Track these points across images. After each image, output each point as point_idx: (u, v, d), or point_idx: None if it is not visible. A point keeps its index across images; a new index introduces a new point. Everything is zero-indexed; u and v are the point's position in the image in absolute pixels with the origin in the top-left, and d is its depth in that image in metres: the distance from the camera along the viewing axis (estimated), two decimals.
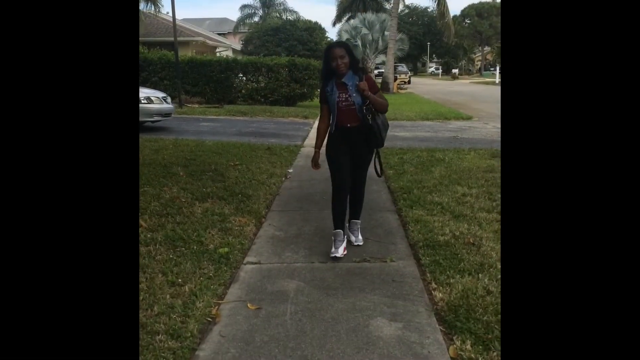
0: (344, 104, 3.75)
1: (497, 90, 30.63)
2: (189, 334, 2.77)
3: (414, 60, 71.14)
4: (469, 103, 21.13)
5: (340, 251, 3.94)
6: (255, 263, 3.88)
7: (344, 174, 3.88)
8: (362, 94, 3.67)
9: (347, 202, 4.02)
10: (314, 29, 31.48)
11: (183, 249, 4.00)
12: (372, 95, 3.70)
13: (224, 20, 50.78)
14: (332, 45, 3.95)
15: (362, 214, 4.37)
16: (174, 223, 4.56)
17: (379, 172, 4.09)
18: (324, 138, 3.96)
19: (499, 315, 2.93)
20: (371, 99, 3.70)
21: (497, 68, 48.96)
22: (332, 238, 4.03)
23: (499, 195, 5.61)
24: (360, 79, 3.70)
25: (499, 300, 3.13)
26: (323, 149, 4.06)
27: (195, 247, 4.02)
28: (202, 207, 5.11)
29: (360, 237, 4.27)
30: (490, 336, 2.74)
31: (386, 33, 29.58)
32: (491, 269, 3.63)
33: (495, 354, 2.58)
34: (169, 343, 2.67)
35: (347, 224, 4.15)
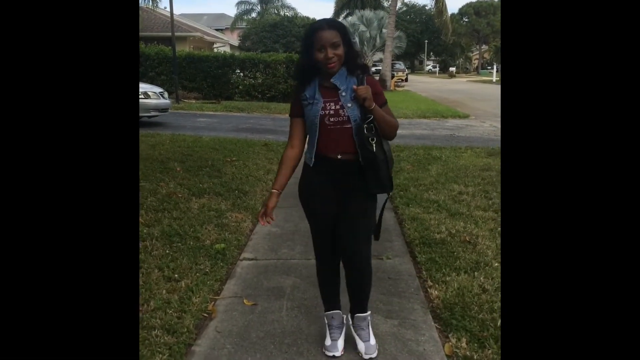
0: (332, 119, 2.30)
1: (494, 89, 30.69)
2: (185, 329, 2.77)
3: (411, 58, 71.13)
4: (466, 101, 21.16)
5: (340, 347, 2.58)
6: (252, 259, 3.88)
7: (329, 235, 2.50)
8: (363, 105, 2.26)
9: (338, 276, 2.63)
10: None
11: (179, 244, 4.00)
12: (378, 109, 2.28)
13: (222, 16, 50.65)
14: (318, 25, 2.29)
15: None
16: (171, 218, 4.56)
17: (376, 234, 2.55)
18: (290, 174, 2.48)
19: (495, 313, 2.94)
20: (377, 114, 2.27)
21: (495, 67, 49.04)
22: (325, 323, 2.67)
23: (495, 194, 5.63)
24: (359, 82, 2.29)
25: (495, 298, 3.14)
26: (292, 190, 2.69)
27: (191, 243, 4.01)
28: (199, 202, 5.11)
29: (372, 340, 2.58)
30: (485, 334, 2.75)
31: (384, 30, 29.54)
32: (487, 267, 3.64)
33: (490, 351, 2.59)
34: (165, 338, 2.67)
35: (349, 318, 2.67)
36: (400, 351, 2.65)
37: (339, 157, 2.36)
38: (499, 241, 4.20)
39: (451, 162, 7.53)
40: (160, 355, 2.51)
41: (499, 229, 4.52)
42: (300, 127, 2.44)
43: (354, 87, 2.26)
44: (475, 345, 2.66)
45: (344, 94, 2.31)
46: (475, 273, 3.54)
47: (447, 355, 2.62)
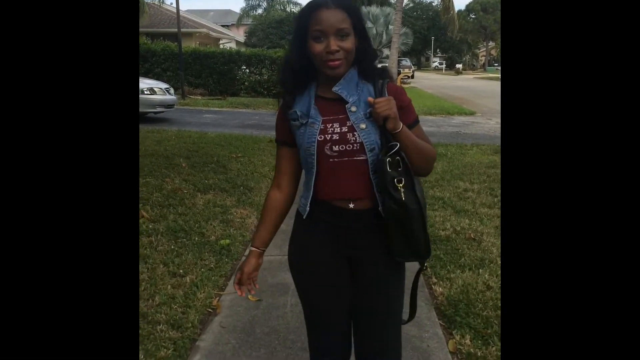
0: (336, 148, 1.56)
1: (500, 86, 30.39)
2: (190, 325, 2.78)
3: (417, 54, 70.90)
4: (472, 98, 21.09)
5: None
6: None
7: (333, 327, 1.74)
8: (384, 127, 1.52)
9: None
10: None
11: (184, 240, 4.01)
12: (407, 132, 1.53)
13: (228, 12, 50.65)
14: (317, 2, 1.52)
15: None
16: (176, 214, 4.57)
17: (411, 315, 1.80)
18: (276, 225, 1.76)
19: (499, 311, 2.94)
20: (405, 141, 1.52)
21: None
22: None
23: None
24: (378, 92, 1.56)
25: (499, 295, 3.14)
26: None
27: (196, 239, 4.03)
28: (204, 198, 5.12)
29: None
30: (489, 331, 2.75)
31: (390, 27, 29.47)
32: (492, 265, 3.64)
33: (494, 348, 2.59)
34: (170, 333, 2.68)
35: None
36: (404, 348, 2.63)
37: (350, 205, 1.58)
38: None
39: (457, 159, 7.51)
40: (165, 350, 2.52)
41: None
42: (290, 160, 1.69)
43: (370, 99, 1.52)
44: (479, 342, 2.66)
45: (353, 109, 1.54)
46: (480, 270, 3.54)
47: (450, 352, 2.62)
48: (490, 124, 13.41)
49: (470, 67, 73.53)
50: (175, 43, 17.90)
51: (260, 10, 41.30)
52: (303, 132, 1.59)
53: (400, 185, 1.51)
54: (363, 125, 1.54)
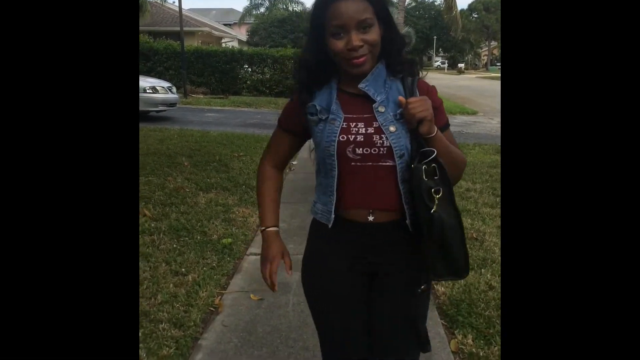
0: (359, 151, 1.40)
1: None
2: (192, 323, 2.78)
3: (420, 54, 70.78)
4: (474, 98, 21.07)
5: None
6: (259, 254, 3.84)
7: (352, 341, 1.55)
8: (418, 131, 1.37)
9: None
10: None
11: (187, 238, 4.01)
12: (441, 137, 1.40)
13: (230, 11, 50.67)
14: None
15: None
16: (178, 213, 4.58)
17: (426, 345, 1.53)
18: (279, 198, 1.66)
19: (500, 311, 2.94)
20: (441, 147, 1.38)
21: None
22: None
23: None
24: (408, 90, 1.43)
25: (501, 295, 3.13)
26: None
27: (198, 237, 4.03)
28: (206, 197, 5.12)
29: None
30: (491, 331, 2.75)
31: None
32: (494, 264, 3.64)
33: (496, 348, 2.58)
34: (172, 332, 2.68)
35: None
36: None
37: (370, 218, 1.43)
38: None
39: None
40: (167, 349, 2.52)
41: None
42: (290, 148, 1.61)
43: (402, 99, 1.37)
44: (482, 342, 2.66)
45: (381, 109, 1.39)
46: (482, 270, 3.54)
47: (452, 352, 2.62)
48: (492, 123, 13.39)
49: (473, 67, 73.45)
50: (178, 42, 17.92)
51: (262, 9, 41.29)
52: (322, 129, 1.43)
53: (438, 196, 1.35)
54: (393, 128, 1.37)
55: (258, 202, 1.65)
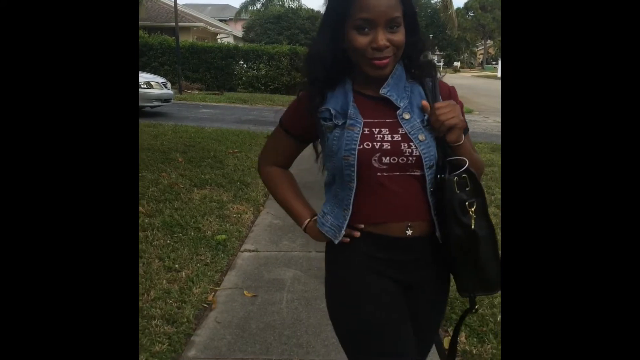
0: (387, 159, 1.27)
1: (498, 84, 30.55)
2: (185, 320, 2.77)
3: None
4: (470, 96, 21.09)
5: None
6: (253, 251, 3.88)
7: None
8: (447, 139, 1.30)
9: None
10: (317, 17, 31.31)
11: (180, 235, 4.00)
12: (467, 145, 1.34)
13: (226, 7, 50.50)
14: None
15: None
16: (172, 209, 4.56)
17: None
18: (298, 193, 1.51)
19: (495, 309, 2.94)
20: (466, 154, 1.31)
21: (499, 62, 48.95)
22: None
23: (498, 189, 5.62)
24: (430, 93, 1.34)
25: (495, 294, 3.14)
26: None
27: (192, 234, 4.02)
28: (200, 193, 5.11)
29: None
30: (485, 329, 2.75)
31: None
32: None
33: (489, 346, 2.59)
34: (165, 328, 2.67)
35: None
36: None
37: (408, 232, 1.31)
38: (499, 237, 4.19)
39: None
40: (160, 345, 2.51)
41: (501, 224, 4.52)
42: (295, 153, 1.47)
43: (426, 104, 1.30)
44: (475, 339, 2.67)
45: (406, 116, 1.29)
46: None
47: (446, 350, 2.62)
48: (487, 122, 13.42)
49: (468, 65, 73.59)
50: (173, 37, 17.84)
51: (258, 5, 41.16)
52: (338, 136, 1.28)
53: (472, 209, 1.26)
54: (422, 137, 1.27)
55: (283, 205, 1.47)
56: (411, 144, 1.26)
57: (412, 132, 1.27)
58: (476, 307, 1.38)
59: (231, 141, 8.09)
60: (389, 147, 1.26)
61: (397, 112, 1.29)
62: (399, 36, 1.23)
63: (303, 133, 1.41)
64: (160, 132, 8.69)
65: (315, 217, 1.43)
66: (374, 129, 1.27)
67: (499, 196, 5.38)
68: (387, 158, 1.26)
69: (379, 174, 1.27)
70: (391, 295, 1.34)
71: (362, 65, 1.26)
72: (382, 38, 1.20)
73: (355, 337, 1.35)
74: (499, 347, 2.58)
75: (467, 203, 1.26)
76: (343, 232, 1.33)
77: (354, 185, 1.28)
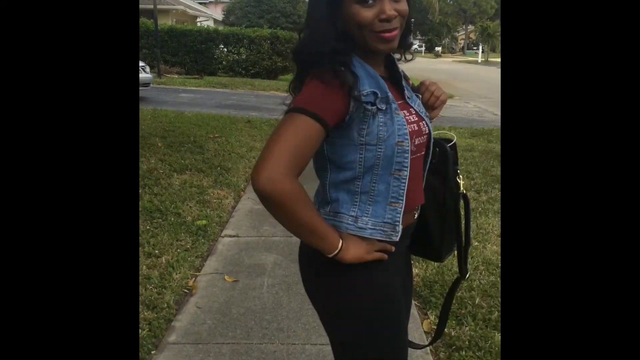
0: (417, 142, 1.22)
1: (479, 69, 30.76)
2: (165, 305, 2.76)
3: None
4: (450, 82, 21.17)
5: None
6: (233, 236, 3.88)
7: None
8: (431, 115, 1.36)
9: None
10: (297, 1, 31.03)
11: (160, 220, 3.97)
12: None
13: None
14: None
15: None
16: (152, 194, 4.51)
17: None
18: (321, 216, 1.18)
19: (473, 292, 2.99)
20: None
21: (480, 47, 49.21)
22: None
23: (478, 174, 5.68)
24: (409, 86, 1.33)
25: (473, 277, 3.18)
26: None
27: (172, 219, 3.99)
28: (180, 179, 5.06)
29: None
30: (463, 311, 2.79)
31: None
32: None
33: (467, 328, 2.63)
34: (145, 314, 2.66)
35: None
36: None
37: (416, 216, 1.30)
38: (479, 221, 4.24)
39: None
40: (141, 331, 2.50)
41: (480, 208, 4.58)
42: (317, 146, 1.12)
43: (427, 82, 1.34)
44: (454, 322, 2.71)
45: (408, 94, 1.27)
46: (455, 252, 3.58)
47: (425, 332, 2.66)
48: (468, 107, 13.51)
49: (450, 50, 73.69)
50: (151, 20, 17.52)
51: None
52: (384, 121, 1.14)
53: (459, 178, 1.33)
54: (427, 114, 1.29)
55: (310, 227, 1.14)
56: (424, 122, 1.24)
57: (421, 110, 1.26)
58: (468, 274, 1.42)
59: (211, 126, 8.01)
60: (417, 128, 1.22)
61: (406, 94, 1.26)
62: (404, 5, 1.15)
63: (336, 120, 1.12)
64: (139, 117, 8.57)
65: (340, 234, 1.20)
66: (404, 111, 1.21)
67: (479, 180, 5.45)
68: (417, 139, 1.21)
69: (412, 156, 1.20)
70: (401, 287, 1.33)
71: (370, 41, 1.15)
72: (390, 7, 1.11)
73: (393, 344, 1.28)
74: (477, 329, 2.62)
75: (458, 173, 1.34)
76: (400, 228, 1.19)
77: (407, 173, 1.17)
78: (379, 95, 1.15)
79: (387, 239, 1.20)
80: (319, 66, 1.12)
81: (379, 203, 1.18)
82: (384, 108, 1.15)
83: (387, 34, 1.13)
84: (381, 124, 1.14)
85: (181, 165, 5.48)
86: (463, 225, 1.39)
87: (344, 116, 1.13)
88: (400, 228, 1.20)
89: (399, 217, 1.18)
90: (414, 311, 2.83)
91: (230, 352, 2.43)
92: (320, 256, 1.18)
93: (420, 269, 3.30)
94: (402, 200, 1.18)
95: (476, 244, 3.76)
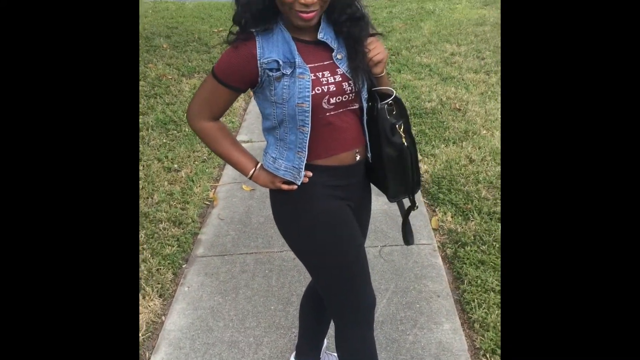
0: (334, 100, 1.40)
1: None
2: (190, 220, 2.96)
3: None
4: None
5: None
6: (247, 141, 3.98)
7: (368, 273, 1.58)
8: (374, 72, 1.46)
9: None
10: None
11: (175, 132, 4.07)
12: (385, 75, 1.51)
13: None
14: None
15: None
16: (164, 104, 4.57)
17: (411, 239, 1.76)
18: (238, 145, 1.54)
19: (479, 184, 3.11)
20: (387, 82, 1.51)
21: None
22: None
23: (488, 52, 5.56)
24: (358, 36, 1.41)
25: (480, 168, 3.29)
26: None
27: (186, 130, 4.08)
28: (190, 83, 5.08)
29: None
30: (469, 206, 2.94)
31: None
32: (475, 136, 3.75)
33: (473, 223, 2.79)
34: (172, 230, 2.87)
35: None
36: (390, 228, 2.86)
37: (358, 158, 1.51)
38: (488, 106, 4.26)
39: (445, 16, 7.27)
40: (170, 247, 2.72)
41: (489, 92, 4.56)
42: (226, 103, 1.44)
43: (369, 41, 1.42)
44: (460, 218, 2.86)
45: (339, 56, 1.40)
46: (464, 143, 3.66)
47: (433, 229, 2.84)
48: None
49: None
50: None
51: None
52: (288, 84, 1.33)
53: (401, 130, 1.48)
54: (354, 74, 1.41)
55: (225, 158, 1.51)
56: (350, 82, 1.40)
57: (349, 71, 1.40)
58: (416, 205, 1.62)
59: (215, 18, 7.77)
60: (335, 89, 1.38)
61: (332, 53, 1.39)
62: None
63: (240, 84, 1.37)
64: (140, 12, 8.32)
65: (260, 165, 1.51)
66: (318, 74, 1.36)
67: (489, 60, 5.34)
68: (334, 98, 1.39)
69: (327, 114, 1.40)
70: (353, 217, 1.54)
71: (290, 17, 1.31)
72: None
73: (344, 260, 1.50)
74: (482, 222, 2.78)
75: (396, 125, 1.48)
76: (303, 173, 1.44)
77: (308, 129, 1.39)
78: (281, 63, 1.32)
79: (295, 181, 1.45)
80: (237, 35, 1.35)
81: (291, 150, 1.43)
82: (288, 73, 1.33)
83: (305, 15, 1.28)
84: (285, 86, 1.34)
85: (189, 69, 5.45)
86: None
87: (256, 78, 1.35)
88: (302, 174, 1.43)
89: (301, 165, 1.42)
90: (422, 209, 2.99)
91: (254, 261, 2.66)
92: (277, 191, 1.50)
93: (429, 165, 3.41)
94: (304, 150, 1.41)
95: (484, 132, 3.81)
